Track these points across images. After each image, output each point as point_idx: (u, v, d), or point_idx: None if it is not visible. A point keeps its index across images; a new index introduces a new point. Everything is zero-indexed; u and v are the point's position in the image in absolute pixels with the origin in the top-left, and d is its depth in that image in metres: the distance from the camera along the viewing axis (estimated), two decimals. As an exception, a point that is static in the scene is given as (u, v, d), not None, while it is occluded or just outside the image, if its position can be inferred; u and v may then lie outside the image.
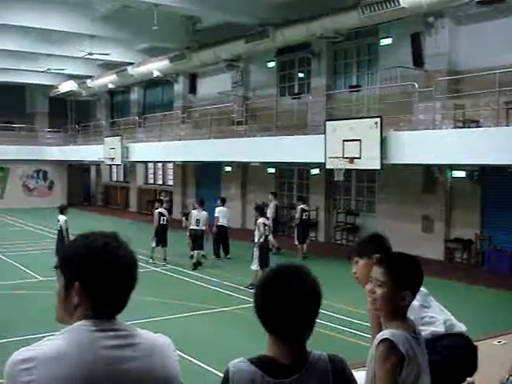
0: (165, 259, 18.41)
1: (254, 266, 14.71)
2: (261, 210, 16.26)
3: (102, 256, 2.08)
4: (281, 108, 25.80)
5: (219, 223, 19.95)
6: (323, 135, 19.31)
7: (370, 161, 17.77)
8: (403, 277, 3.05)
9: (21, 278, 16.21)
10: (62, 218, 17.29)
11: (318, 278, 2.40)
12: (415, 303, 3.38)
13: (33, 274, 16.76)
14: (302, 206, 20.91)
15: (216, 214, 20.10)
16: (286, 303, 2.26)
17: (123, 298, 2.13)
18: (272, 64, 27.17)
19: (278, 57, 26.84)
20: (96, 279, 2.07)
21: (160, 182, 37.53)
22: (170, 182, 35.81)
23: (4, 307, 13.18)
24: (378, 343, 2.96)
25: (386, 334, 2.97)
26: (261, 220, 15.25)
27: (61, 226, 17.03)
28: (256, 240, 15.04)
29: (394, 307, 3.05)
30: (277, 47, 25.18)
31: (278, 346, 2.32)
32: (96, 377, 1.96)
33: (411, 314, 3.22)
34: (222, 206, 20.58)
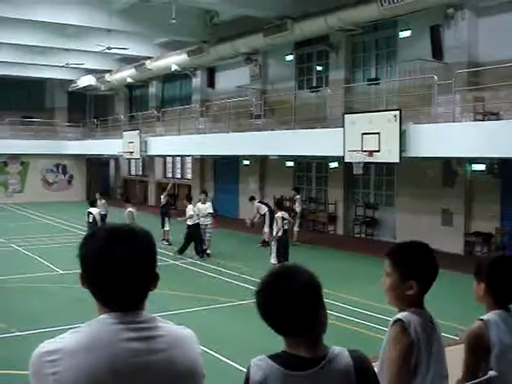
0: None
1: (273, 260, 14.69)
2: (279, 204, 16.26)
3: (100, 249, 2.07)
4: (299, 101, 25.73)
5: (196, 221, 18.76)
6: (342, 128, 19.25)
7: (389, 154, 17.70)
8: (406, 267, 3.12)
9: (42, 272, 16.35)
10: (94, 210, 17.89)
11: (314, 273, 2.42)
12: None
13: (54, 267, 16.89)
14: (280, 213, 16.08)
15: (191, 213, 18.67)
16: (283, 304, 2.31)
17: (132, 292, 2.11)
18: (290, 57, 27.10)
19: (296, 50, 26.77)
20: (93, 272, 2.09)
21: (178, 175, 37.60)
22: (189, 176, 35.87)
23: (26, 300, 13.32)
24: (391, 325, 3.07)
25: (399, 315, 3.07)
26: (279, 214, 15.21)
27: (94, 218, 17.44)
28: (274, 234, 15.05)
29: (402, 297, 3.13)
30: (295, 40, 25.14)
31: (293, 343, 2.37)
32: (118, 369, 1.98)
33: None
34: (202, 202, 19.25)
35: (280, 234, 14.90)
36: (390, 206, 22.94)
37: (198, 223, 18.66)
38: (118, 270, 2.05)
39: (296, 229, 21.27)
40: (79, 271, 2.14)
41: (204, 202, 18.92)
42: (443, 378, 3.17)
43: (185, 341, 2.17)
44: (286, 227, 15.10)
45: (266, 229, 20.20)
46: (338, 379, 2.33)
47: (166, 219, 21.50)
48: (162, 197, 22.50)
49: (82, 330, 2.04)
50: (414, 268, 3.13)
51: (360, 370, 2.36)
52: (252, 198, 22.55)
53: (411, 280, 3.09)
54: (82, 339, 2.00)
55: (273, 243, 15.10)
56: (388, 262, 3.18)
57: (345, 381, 2.33)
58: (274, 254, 14.79)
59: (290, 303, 2.31)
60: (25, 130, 39.96)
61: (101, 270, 2.06)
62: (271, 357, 2.36)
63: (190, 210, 18.60)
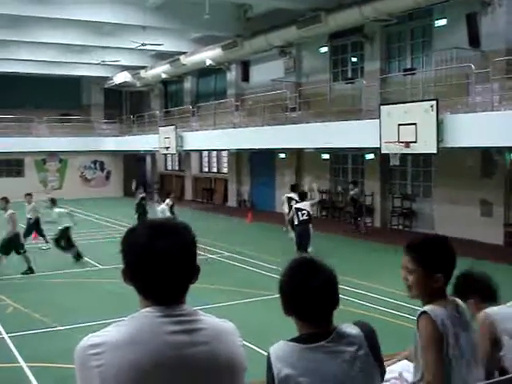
0: None
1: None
2: (302, 195, 16.45)
3: (142, 243, 2.11)
4: (334, 93, 25.60)
5: None
6: (378, 120, 19.11)
7: (426, 145, 17.51)
8: (433, 262, 3.14)
9: (82, 267, 16.56)
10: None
11: (333, 267, 2.68)
12: None
13: (93, 262, 17.09)
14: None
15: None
16: (307, 295, 2.57)
17: (175, 284, 2.13)
18: (324, 49, 26.94)
19: (331, 41, 26.58)
20: (136, 266, 2.12)
21: (215, 170, 37.74)
22: (225, 170, 35.98)
23: (66, 295, 13.54)
24: (418, 317, 3.13)
25: (425, 308, 3.13)
26: (297, 205, 15.68)
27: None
28: (289, 221, 15.72)
29: (429, 291, 3.16)
30: (329, 32, 24.95)
31: (310, 325, 2.62)
32: (161, 362, 2.01)
33: None
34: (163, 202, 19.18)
35: (296, 222, 15.46)
36: (428, 197, 22.70)
37: None
38: (160, 263, 2.08)
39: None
40: (121, 266, 2.16)
41: None
42: (475, 364, 3.21)
43: (226, 334, 2.19)
44: (304, 218, 15.18)
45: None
46: (351, 345, 2.59)
47: None
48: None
49: (125, 324, 2.08)
50: (441, 262, 3.15)
51: (368, 334, 2.66)
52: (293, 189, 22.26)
53: (438, 273, 3.13)
54: (125, 332, 2.03)
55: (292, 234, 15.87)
56: (409, 258, 3.18)
57: (357, 347, 2.59)
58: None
59: (318, 294, 2.57)
60: (62, 128, 40.54)
61: (143, 263, 2.10)
62: (288, 340, 2.62)
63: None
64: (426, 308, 3.10)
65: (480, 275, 4.16)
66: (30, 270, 15.43)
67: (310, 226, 15.92)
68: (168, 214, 17.92)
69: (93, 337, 2.05)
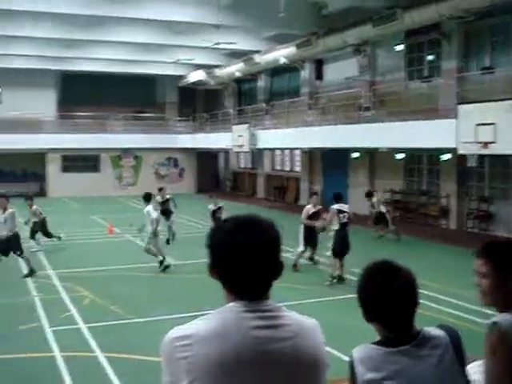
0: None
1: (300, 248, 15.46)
2: (337, 197, 14.92)
3: (230, 238, 2.15)
4: (409, 92, 25.20)
5: None
6: (454, 119, 18.70)
7: (506, 145, 17.02)
8: (506, 264, 2.93)
9: (155, 262, 16.81)
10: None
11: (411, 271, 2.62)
12: None
13: (167, 257, 17.29)
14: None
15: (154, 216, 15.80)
16: (390, 298, 2.51)
17: (260, 279, 2.16)
18: (400, 47, 26.51)
19: (407, 39, 26.14)
20: (223, 261, 2.15)
21: (287, 168, 37.75)
22: (297, 169, 35.94)
23: (141, 288, 13.82)
24: (488, 329, 2.85)
25: (497, 318, 2.87)
26: (335, 206, 14.47)
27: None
28: (317, 224, 15.10)
29: (504, 296, 2.93)
30: (405, 30, 24.56)
31: (392, 329, 2.56)
32: (246, 356, 2.04)
33: None
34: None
35: (336, 227, 14.14)
36: (507, 200, 22.05)
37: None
38: (246, 259, 2.11)
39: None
40: (195, 262, 2.19)
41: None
42: None
43: (310, 330, 2.21)
44: (344, 220, 14.24)
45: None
46: (436, 349, 2.52)
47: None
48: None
49: (211, 317, 2.12)
50: None
51: (455, 340, 2.58)
52: (369, 195, 21.44)
53: None
54: (211, 326, 2.07)
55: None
56: (482, 262, 2.97)
57: (443, 351, 2.53)
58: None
59: (400, 296, 2.52)
60: (137, 125, 41.41)
61: (229, 258, 2.13)
62: (371, 343, 2.56)
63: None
64: (499, 318, 2.85)
65: None
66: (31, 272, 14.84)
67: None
68: (154, 215, 15.55)
69: (180, 329, 2.10)
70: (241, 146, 32.79)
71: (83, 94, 41.62)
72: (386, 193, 26.41)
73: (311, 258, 16.34)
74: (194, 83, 42.70)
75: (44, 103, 40.71)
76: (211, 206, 18.41)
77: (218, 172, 46.34)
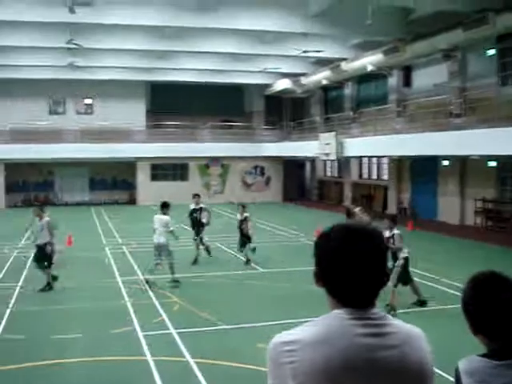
0: None
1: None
2: (393, 219, 12.93)
3: (339, 246, 2.15)
4: (502, 98, 24.46)
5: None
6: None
7: None
8: None
9: (242, 270, 16.95)
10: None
11: None
12: None
13: (254, 265, 17.38)
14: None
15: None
16: (500, 309, 2.42)
17: (368, 287, 2.16)
18: (492, 51, 25.83)
19: (499, 43, 25.42)
20: (331, 269, 2.15)
21: (374, 176, 37.32)
22: (385, 177, 35.47)
23: (230, 295, 13.99)
24: None
25: None
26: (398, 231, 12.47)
27: None
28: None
29: None
30: (497, 34, 23.88)
31: (495, 342, 2.45)
32: (351, 363, 2.03)
33: None
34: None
35: (406, 254, 12.45)
36: None
37: None
38: (353, 267, 2.11)
39: None
40: (313, 269, 2.21)
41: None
42: None
43: (416, 339, 2.18)
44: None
45: None
46: None
47: None
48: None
49: (317, 323, 2.12)
50: None
51: None
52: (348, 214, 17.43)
53: None
54: (317, 332, 2.07)
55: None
56: None
57: None
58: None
59: (509, 311, 2.41)
60: (225, 134, 41.97)
61: (337, 266, 2.13)
62: (477, 355, 2.46)
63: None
64: None
65: None
66: (49, 286, 14.51)
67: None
68: (166, 227, 14.74)
69: (286, 334, 2.11)
70: (328, 154, 32.68)
71: (172, 103, 42.57)
72: (477, 201, 25.73)
73: None
74: (280, 92, 42.92)
75: (134, 113, 41.94)
76: (192, 205, 18.15)
77: (305, 180, 46.33)
